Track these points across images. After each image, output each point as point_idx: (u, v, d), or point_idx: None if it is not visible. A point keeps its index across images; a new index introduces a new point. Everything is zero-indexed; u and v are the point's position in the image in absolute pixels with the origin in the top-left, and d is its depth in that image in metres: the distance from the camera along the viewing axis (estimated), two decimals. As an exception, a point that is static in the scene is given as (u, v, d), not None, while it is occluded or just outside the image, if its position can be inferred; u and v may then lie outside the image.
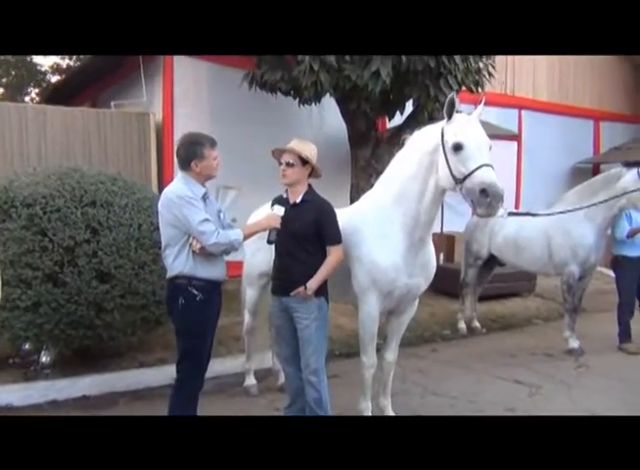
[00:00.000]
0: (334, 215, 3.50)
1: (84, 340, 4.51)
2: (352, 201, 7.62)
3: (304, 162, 3.48)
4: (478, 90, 7.06)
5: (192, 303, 3.16)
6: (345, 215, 3.68)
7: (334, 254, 3.45)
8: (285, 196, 3.58)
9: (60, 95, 10.55)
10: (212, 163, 3.25)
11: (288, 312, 3.52)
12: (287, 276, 3.49)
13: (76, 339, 4.47)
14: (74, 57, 13.80)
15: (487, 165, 3.16)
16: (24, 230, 4.35)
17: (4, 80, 15.21)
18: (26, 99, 15.15)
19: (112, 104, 8.31)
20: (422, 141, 3.51)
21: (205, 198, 3.24)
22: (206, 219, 3.09)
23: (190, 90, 7.87)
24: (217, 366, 4.97)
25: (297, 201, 3.51)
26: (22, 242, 4.32)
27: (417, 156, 3.50)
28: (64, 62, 14.70)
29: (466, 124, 3.27)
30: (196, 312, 3.18)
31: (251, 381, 4.78)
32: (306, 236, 3.43)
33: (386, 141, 7.74)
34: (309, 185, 3.57)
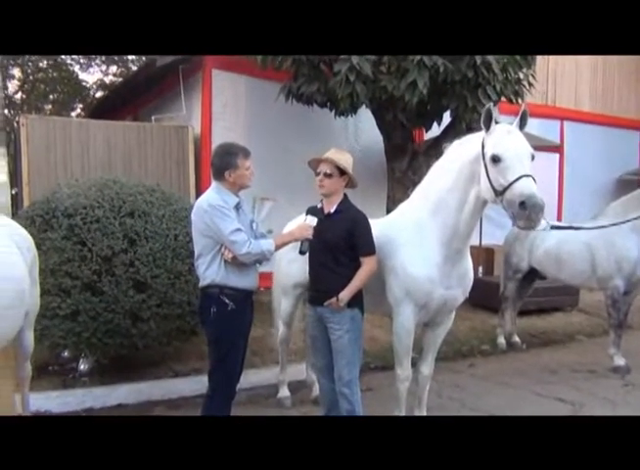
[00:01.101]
0: (367, 225, 3.46)
1: (120, 348, 4.57)
2: (389, 212, 7.55)
3: (342, 172, 3.46)
4: (517, 101, 6.94)
5: (224, 312, 3.16)
6: (381, 225, 3.64)
7: (367, 264, 3.41)
8: (320, 206, 3.57)
9: (103, 110, 10.85)
10: (246, 172, 3.26)
11: (322, 323, 3.49)
12: (320, 286, 3.47)
13: (113, 347, 4.52)
14: (117, 73, 14.27)
15: (527, 176, 3.08)
16: (65, 240, 4.44)
17: (51, 97, 15.81)
18: (72, 114, 15.64)
19: (152, 118, 8.49)
20: (462, 151, 3.46)
21: (237, 207, 3.25)
22: (238, 229, 3.10)
23: (228, 103, 7.97)
24: (251, 377, 4.98)
25: (331, 211, 3.49)
26: (63, 251, 4.41)
27: (457, 166, 3.44)
28: (107, 78, 15.21)
29: (505, 135, 3.20)
30: (227, 321, 3.18)
31: (284, 393, 4.75)
32: (339, 246, 3.41)
33: (423, 152, 7.67)
34: (345, 195, 3.55)
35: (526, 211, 3.01)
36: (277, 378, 4.87)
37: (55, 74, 14.66)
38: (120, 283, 4.44)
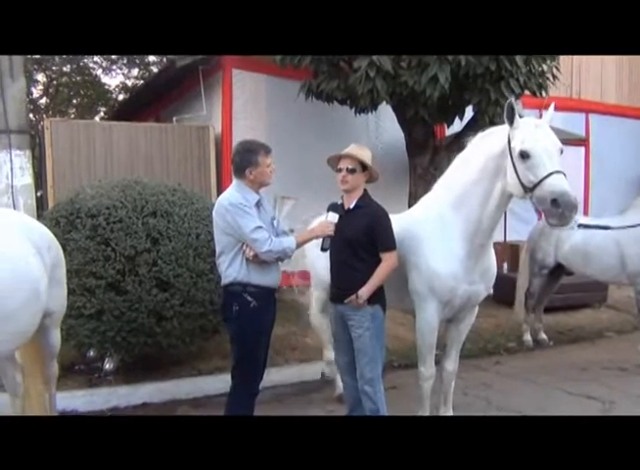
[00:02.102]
0: (387, 221, 3.42)
1: (144, 347, 4.60)
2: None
3: (363, 167, 3.43)
4: (541, 94, 6.81)
5: (246, 309, 3.15)
6: (402, 220, 3.60)
7: (387, 260, 3.37)
8: (340, 202, 3.54)
9: (126, 113, 10.95)
10: (266, 170, 3.25)
11: (343, 320, 3.46)
12: (341, 283, 3.44)
13: (137, 346, 4.55)
14: (139, 75, 14.41)
15: (558, 173, 3.00)
16: (89, 240, 4.48)
17: (75, 101, 16.02)
18: (96, 118, 15.85)
19: (174, 119, 8.54)
20: (486, 144, 3.40)
21: (258, 205, 3.24)
22: (259, 227, 3.09)
23: (248, 103, 7.97)
24: (274, 376, 4.96)
25: (351, 206, 3.45)
26: (87, 252, 4.45)
27: (481, 159, 3.38)
28: (129, 81, 15.35)
29: (534, 131, 3.13)
30: (250, 319, 3.17)
31: (332, 371, 4.59)
32: (359, 242, 3.37)
33: (444, 148, 7.58)
34: (365, 190, 3.51)
35: (559, 209, 2.94)
36: (323, 358, 4.87)
37: (78, 78, 14.85)
38: (144, 282, 4.46)
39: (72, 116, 15.44)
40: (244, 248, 3.13)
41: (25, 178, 4.71)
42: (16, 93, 4.68)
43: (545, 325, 6.89)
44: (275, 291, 3.33)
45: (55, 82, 14.82)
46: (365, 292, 3.30)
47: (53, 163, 6.82)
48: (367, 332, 3.34)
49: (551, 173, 2.99)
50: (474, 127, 7.27)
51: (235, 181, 3.27)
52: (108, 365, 4.86)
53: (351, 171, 3.42)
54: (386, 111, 7.41)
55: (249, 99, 8.04)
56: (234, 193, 3.19)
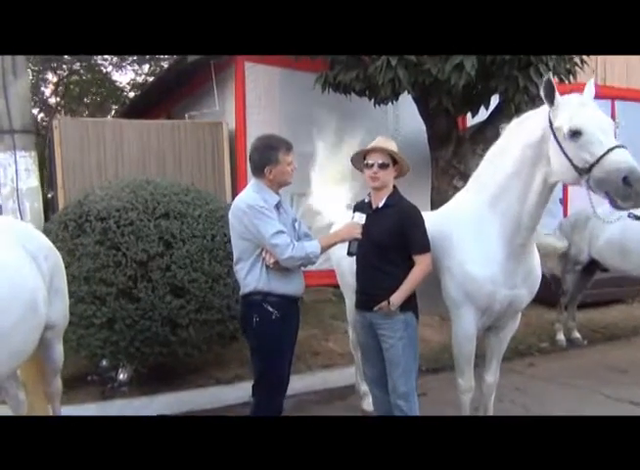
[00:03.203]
0: (420, 220, 3.13)
1: (159, 357, 4.36)
2: (433, 204, 7.19)
3: (394, 161, 3.14)
4: (569, 80, 6.45)
5: (267, 320, 2.88)
6: (434, 219, 3.29)
7: (421, 264, 3.08)
8: (367, 200, 3.25)
9: (137, 110, 10.74)
10: (287, 168, 2.96)
11: (372, 329, 3.18)
12: (369, 289, 3.16)
13: (151, 356, 4.32)
14: (149, 72, 14.16)
15: (620, 147, 2.66)
16: (98, 245, 4.25)
17: (86, 99, 15.80)
18: (108, 117, 15.67)
19: (186, 116, 8.31)
20: (524, 130, 3.07)
21: (278, 206, 2.96)
22: (280, 231, 2.81)
23: (262, 96, 7.72)
24: (295, 383, 4.65)
25: (380, 205, 3.16)
26: (97, 257, 4.22)
27: (518, 148, 3.06)
28: (140, 78, 15.10)
29: (580, 107, 2.81)
30: (272, 331, 2.90)
31: (368, 405, 4.19)
32: (390, 244, 3.09)
33: (468, 140, 7.26)
34: (394, 187, 3.22)
35: (631, 188, 2.57)
36: (356, 388, 4.52)
37: (88, 76, 14.62)
38: (157, 288, 4.22)
39: (85, 114, 15.25)
40: (263, 254, 2.86)
41: (31, 181, 4.48)
42: (19, 91, 4.44)
43: (578, 323, 6.56)
44: (298, 300, 3.06)
45: (65, 80, 14.61)
46: (397, 298, 3.02)
47: (62, 162, 6.62)
48: (400, 342, 3.06)
49: (612, 148, 2.65)
50: (499, 117, 6.98)
51: (253, 181, 3.00)
52: (121, 376, 4.63)
53: (383, 166, 3.12)
54: (405, 102, 7.09)
55: (262, 93, 7.79)
56: (252, 194, 2.91)
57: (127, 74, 15.58)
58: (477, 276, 3.12)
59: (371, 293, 3.12)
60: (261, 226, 2.79)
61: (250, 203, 2.84)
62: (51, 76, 14.19)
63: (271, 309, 2.87)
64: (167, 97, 9.86)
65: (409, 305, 3.09)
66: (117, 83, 15.41)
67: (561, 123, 2.81)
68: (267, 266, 2.86)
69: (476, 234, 3.19)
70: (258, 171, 2.95)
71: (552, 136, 2.86)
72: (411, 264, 3.10)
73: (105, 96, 15.35)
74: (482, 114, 7.06)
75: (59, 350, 3.25)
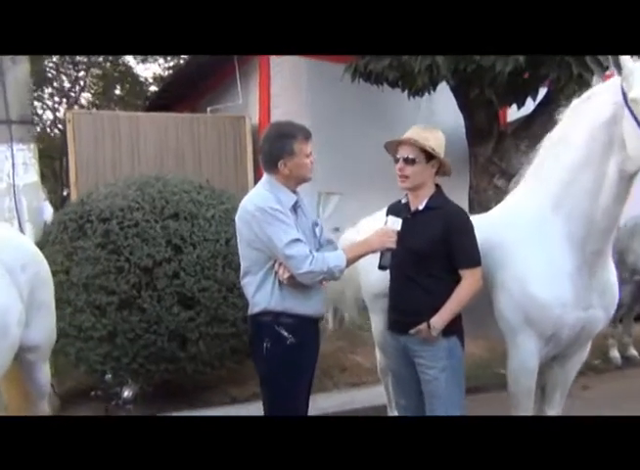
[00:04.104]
0: (470, 227, 2.58)
1: (166, 374, 3.91)
2: (471, 205, 6.63)
3: (430, 156, 2.59)
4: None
5: (280, 346, 2.38)
6: (482, 224, 2.71)
7: (469, 279, 2.53)
8: (404, 201, 2.71)
9: (158, 106, 10.39)
10: (306, 161, 2.44)
11: (407, 357, 2.64)
12: (405, 308, 2.62)
13: (157, 373, 3.87)
14: (172, 65, 13.77)
15: None
16: (99, 249, 3.83)
17: (113, 94, 15.49)
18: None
19: (208, 109, 7.97)
20: (589, 110, 2.49)
21: (296, 208, 2.45)
22: (297, 239, 2.30)
23: (288, 88, 7.32)
24: (322, 402, 4.22)
25: (420, 208, 2.62)
26: (97, 262, 3.80)
27: (584, 132, 2.47)
28: (165, 72, 14.69)
29: None
30: (286, 359, 2.39)
31: None
32: (431, 255, 2.54)
33: (510, 135, 6.66)
34: (437, 186, 2.68)
35: None
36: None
37: (108, 66, 14.25)
38: (163, 298, 3.79)
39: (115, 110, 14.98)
40: (276, 267, 2.35)
41: (30, 176, 4.07)
42: (18, 77, 4.04)
43: (634, 338, 5.91)
44: (319, 321, 2.55)
45: (84, 73, 14.31)
46: (440, 321, 2.48)
47: (76, 158, 6.32)
48: (442, 374, 2.52)
49: None
50: (546, 110, 6.36)
51: (265, 177, 2.49)
52: (126, 393, 4.19)
53: (411, 162, 2.57)
54: (440, 93, 6.53)
55: (288, 85, 7.40)
56: (263, 193, 2.41)
57: (150, 68, 15.21)
58: (540, 295, 2.54)
59: (407, 313, 2.58)
60: (274, 233, 2.28)
61: (260, 205, 2.33)
62: (72, 69, 13.87)
63: (285, 334, 2.36)
64: (191, 92, 9.59)
65: (454, 328, 2.55)
66: (141, 78, 15.08)
67: (637, 94, 2.23)
68: (281, 282, 2.35)
69: (537, 241, 2.61)
70: (271, 166, 2.44)
71: (627, 112, 2.29)
72: (456, 279, 2.56)
73: (128, 91, 15.01)
74: (525, 108, 6.48)
75: (44, 372, 2.85)
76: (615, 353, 5.69)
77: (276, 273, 2.35)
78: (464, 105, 6.32)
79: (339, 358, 5.21)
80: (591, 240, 2.53)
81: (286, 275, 2.32)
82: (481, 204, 6.60)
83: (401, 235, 2.48)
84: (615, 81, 2.39)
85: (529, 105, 6.36)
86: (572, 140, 2.53)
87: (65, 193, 7.58)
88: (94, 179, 6.11)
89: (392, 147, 2.67)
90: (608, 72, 5.93)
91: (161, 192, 4.11)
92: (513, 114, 7.76)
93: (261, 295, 2.38)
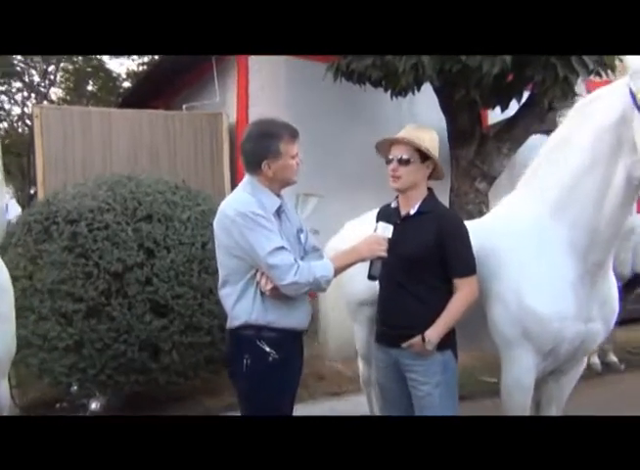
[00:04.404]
0: (464, 233, 2.43)
1: (136, 386, 3.68)
2: (452, 208, 6.50)
3: (424, 156, 2.43)
4: (607, 74, 5.73)
5: (262, 363, 2.19)
6: (475, 231, 2.56)
7: (464, 289, 2.38)
8: (395, 205, 2.55)
9: (132, 102, 10.08)
10: (291, 162, 2.26)
11: (398, 371, 2.48)
12: (396, 320, 2.45)
13: (126, 385, 3.65)
14: (149, 61, 13.38)
15: None
16: (66, 252, 3.59)
17: (86, 90, 15.03)
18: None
19: (183, 107, 7.73)
20: (596, 111, 2.35)
21: (280, 213, 2.26)
22: (281, 247, 2.11)
23: (266, 86, 7.14)
24: (296, 413, 4.05)
25: (412, 212, 2.46)
26: (63, 267, 3.56)
27: (590, 134, 2.33)
28: (137, 67, 14.27)
29: None
30: (267, 376, 2.20)
31: None
32: (424, 262, 2.39)
33: (492, 138, 6.57)
34: (430, 190, 2.52)
35: None
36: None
37: (79, 60, 13.79)
38: (134, 306, 3.57)
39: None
40: (258, 277, 2.16)
41: (-17, 173, 3.79)
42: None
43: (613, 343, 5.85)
44: (303, 333, 2.36)
45: (54, 67, 13.83)
46: (435, 333, 2.32)
47: (43, 155, 6.01)
48: (436, 389, 2.36)
49: None
50: (528, 114, 6.30)
51: (246, 179, 2.29)
52: (93, 405, 3.95)
53: (404, 163, 2.41)
54: (421, 95, 6.42)
55: (267, 83, 7.22)
56: (244, 196, 2.21)
57: (124, 64, 14.77)
58: (538, 308, 2.40)
59: (398, 325, 2.42)
60: (256, 241, 2.09)
61: (241, 209, 2.14)
62: (41, 62, 13.38)
63: (268, 349, 2.17)
64: (166, 89, 9.30)
65: (448, 341, 2.39)
66: (114, 74, 14.63)
67: None
68: (263, 293, 2.16)
69: (535, 249, 2.46)
70: (253, 167, 2.24)
71: (637, 111, 2.16)
72: (451, 288, 2.41)
73: (101, 87, 14.57)
74: (505, 111, 6.40)
75: (2, 387, 2.60)
76: (595, 360, 5.61)
77: (258, 284, 2.16)
78: (447, 106, 6.20)
79: (315, 366, 5.01)
80: (594, 249, 2.40)
81: (268, 286, 2.12)
82: (463, 207, 6.51)
83: (392, 241, 2.32)
84: (621, 82, 2.27)
85: (510, 107, 6.29)
86: (577, 143, 2.39)
87: (32, 191, 7.22)
88: (63, 178, 5.83)
89: (384, 147, 2.50)
90: (592, 78, 5.93)
91: (134, 192, 3.89)
92: (494, 117, 7.73)
93: (242, 307, 2.19)
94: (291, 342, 2.25)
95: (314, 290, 2.20)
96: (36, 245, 3.66)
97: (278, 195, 2.29)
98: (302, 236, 2.36)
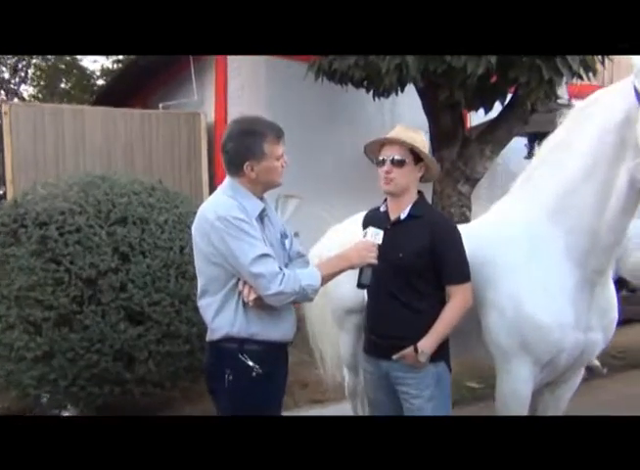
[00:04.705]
0: (457, 238, 2.32)
1: (110, 397, 3.51)
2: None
3: (417, 158, 2.31)
4: (588, 76, 5.70)
5: (245, 378, 2.04)
6: (467, 236, 2.45)
7: (458, 297, 2.27)
8: (384, 209, 2.43)
9: (107, 101, 9.82)
10: (276, 164, 2.11)
11: (389, 384, 2.36)
12: (386, 329, 2.33)
13: (100, 397, 3.47)
14: (124, 58, 13.06)
15: None
16: (35, 257, 3.40)
17: (60, 88, 14.60)
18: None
19: (160, 106, 7.52)
20: (598, 112, 2.26)
21: (262, 217, 2.12)
22: (265, 255, 1.97)
23: (246, 86, 7.01)
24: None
25: (402, 216, 2.34)
26: (32, 272, 3.37)
27: (591, 137, 2.24)
28: (112, 65, 13.91)
29: None
30: (251, 392, 2.06)
31: None
32: (416, 270, 2.28)
33: (475, 140, 6.50)
34: (420, 193, 2.41)
35: None
36: None
37: (52, 61, 13.40)
38: (108, 314, 3.39)
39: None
40: (240, 286, 2.02)
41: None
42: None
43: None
44: (288, 345, 2.22)
45: (25, 62, 13.40)
46: (429, 344, 2.21)
47: (13, 154, 5.77)
48: (429, 404, 2.25)
49: None
50: (510, 116, 6.25)
51: (227, 181, 2.15)
52: (65, 415, 3.75)
53: (399, 164, 2.30)
54: (404, 96, 6.33)
55: (246, 82, 7.07)
56: (225, 199, 2.06)
57: (98, 61, 14.39)
58: (537, 316, 2.29)
59: (389, 334, 2.30)
60: (238, 248, 1.95)
61: (221, 213, 1.99)
62: (11, 58, 12.93)
63: (251, 363, 2.02)
64: (142, 87, 9.08)
65: (441, 352, 2.28)
66: (88, 72, 14.25)
67: None
68: (245, 303, 2.02)
69: (531, 256, 2.36)
70: (235, 168, 2.10)
71: None
72: (444, 296, 2.29)
73: (74, 84, 14.18)
74: (483, 113, 6.35)
75: None
76: (580, 364, 5.57)
77: (240, 293, 2.02)
78: (430, 108, 6.11)
79: (300, 373, 4.88)
80: (594, 256, 2.30)
81: (251, 296, 1.98)
82: (446, 210, 6.44)
83: (382, 247, 2.20)
84: (624, 82, 2.18)
85: (491, 110, 6.24)
86: (577, 145, 2.30)
87: (1, 192, 6.97)
88: (34, 177, 5.59)
89: (374, 148, 2.38)
90: (574, 82, 5.91)
91: (108, 194, 3.71)
92: (475, 119, 7.68)
93: (223, 318, 2.04)
94: (275, 355, 2.12)
95: (300, 300, 2.06)
96: (3, 249, 3.48)
97: (261, 198, 2.15)
98: (287, 242, 2.22)
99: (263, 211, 2.13)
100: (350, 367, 3.27)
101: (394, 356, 2.26)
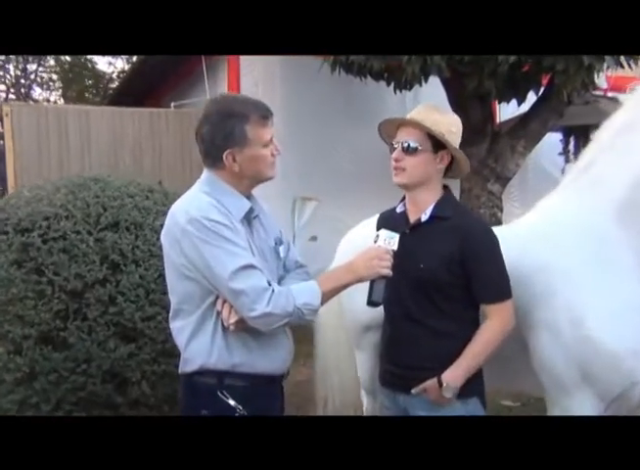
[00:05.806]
0: (496, 249, 1.88)
1: (100, 424, 3.17)
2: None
3: (438, 145, 1.90)
4: (630, 66, 5.23)
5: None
6: (508, 240, 2.01)
7: (495, 318, 1.84)
8: (401, 209, 2.01)
9: (121, 102, 9.68)
10: (263, 152, 1.71)
11: (408, 421, 1.94)
12: (404, 357, 1.92)
13: (88, 423, 3.13)
14: (134, 60, 12.95)
15: None
16: (15, 267, 3.09)
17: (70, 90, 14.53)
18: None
19: (171, 105, 7.36)
20: None
21: (250, 218, 1.73)
22: (249, 266, 1.57)
23: (259, 82, 6.82)
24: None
25: (423, 218, 1.92)
26: (11, 284, 3.06)
27: None
28: (122, 65, 13.82)
29: None
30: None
31: None
32: (440, 284, 1.86)
33: (506, 135, 6.06)
34: (446, 189, 1.99)
35: None
36: None
37: (67, 60, 13.31)
38: (96, 330, 3.05)
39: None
40: (218, 306, 1.62)
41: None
42: None
43: None
44: (282, 378, 1.82)
45: (37, 64, 13.36)
46: (456, 377, 1.79)
47: (15, 157, 5.57)
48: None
49: None
50: (544, 108, 5.79)
51: (205, 175, 1.77)
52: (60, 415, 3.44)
53: (411, 151, 1.88)
54: (427, 88, 5.93)
55: (259, 80, 6.86)
56: (200, 198, 1.68)
57: (113, 64, 14.27)
58: (605, 341, 1.84)
59: (408, 364, 1.89)
60: (214, 257, 1.55)
61: (194, 215, 1.60)
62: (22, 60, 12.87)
63: (232, 403, 1.63)
64: (155, 88, 9.02)
65: (472, 385, 1.86)
66: (101, 74, 14.12)
67: None
68: (225, 328, 1.62)
69: (596, 266, 1.92)
70: (213, 159, 1.72)
71: None
72: (476, 317, 1.87)
73: (88, 87, 14.08)
74: (514, 108, 6.06)
75: None
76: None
77: (218, 315, 1.62)
78: (458, 100, 5.68)
79: (302, 387, 4.45)
80: None
81: (232, 319, 1.58)
82: (474, 211, 6.02)
83: (398, 256, 1.78)
84: None
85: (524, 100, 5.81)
86: None
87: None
88: (37, 180, 5.37)
89: (390, 130, 1.97)
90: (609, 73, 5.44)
91: (99, 196, 3.37)
92: (503, 114, 7.28)
93: (197, 346, 1.64)
94: (264, 391, 1.70)
95: (294, 323, 1.64)
96: (-19, 259, 3.16)
97: (248, 196, 1.75)
98: (282, 249, 1.81)
99: (251, 210, 1.73)
100: (369, 391, 2.86)
101: (414, 390, 1.84)
